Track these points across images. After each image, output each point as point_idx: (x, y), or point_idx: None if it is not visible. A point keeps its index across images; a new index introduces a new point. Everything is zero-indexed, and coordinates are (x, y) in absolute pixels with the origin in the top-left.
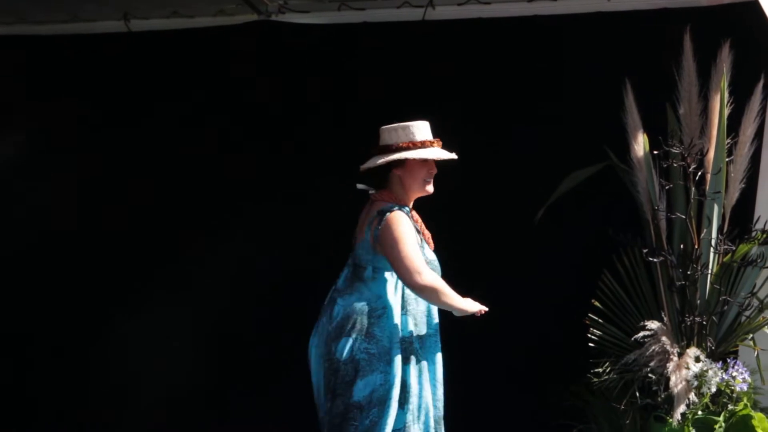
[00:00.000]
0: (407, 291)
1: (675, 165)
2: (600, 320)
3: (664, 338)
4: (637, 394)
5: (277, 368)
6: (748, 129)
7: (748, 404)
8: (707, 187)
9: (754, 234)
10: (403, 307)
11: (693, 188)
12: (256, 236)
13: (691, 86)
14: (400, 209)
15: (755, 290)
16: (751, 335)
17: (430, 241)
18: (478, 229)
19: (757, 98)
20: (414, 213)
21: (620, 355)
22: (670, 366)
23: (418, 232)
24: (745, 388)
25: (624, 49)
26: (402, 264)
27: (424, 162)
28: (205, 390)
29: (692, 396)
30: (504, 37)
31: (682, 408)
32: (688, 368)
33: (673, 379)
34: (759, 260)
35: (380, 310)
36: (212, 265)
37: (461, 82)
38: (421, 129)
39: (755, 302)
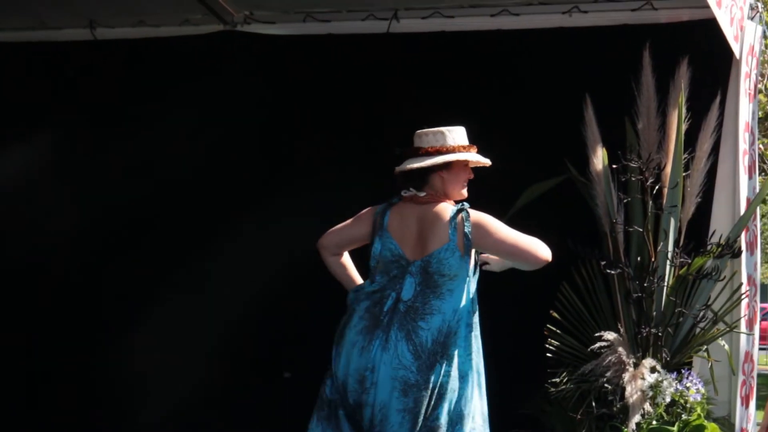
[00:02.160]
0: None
1: (633, 179)
2: (558, 331)
3: (620, 349)
4: (594, 403)
5: (280, 372)
6: (704, 144)
7: (702, 414)
8: (664, 201)
9: (709, 247)
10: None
11: (650, 202)
12: (255, 241)
13: (649, 102)
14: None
15: (710, 302)
16: (705, 347)
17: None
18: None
19: (714, 114)
20: None
21: (577, 365)
22: (626, 376)
23: None
24: (698, 398)
25: (584, 64)
26: (522, 246)
27: (466, 166)
28: (209, 392)
29: (647, 406)
30: (467, 50)
31: (637, 418)
32: (643, 379)
33: (628, 389)
34: (714, 273)
35: (455, 326)
36: (217, 268)
37: (424, 93)
38: (461, 133)
39: (709, 314)
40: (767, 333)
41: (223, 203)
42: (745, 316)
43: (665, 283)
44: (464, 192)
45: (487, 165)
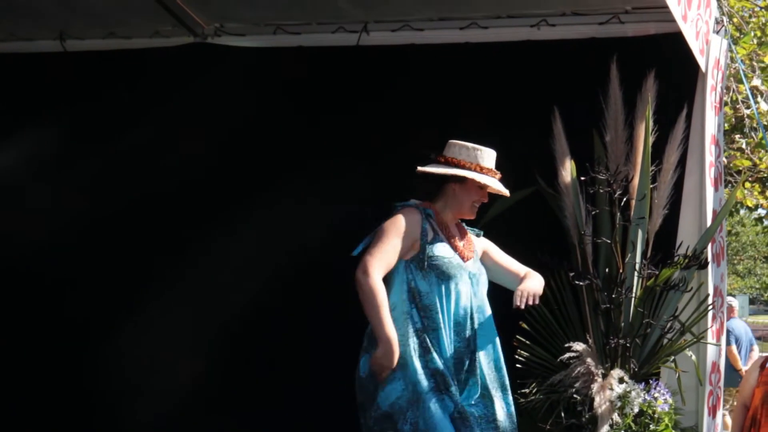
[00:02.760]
0: (418, 284)
1: (601, 191)
2: (527, 342)
3: (589, 360)
4: (563, 414)
5: (279, 371)
6: (671, 157)
7: (669, 425)
8: (632, 213)
9: (676, 259)
10: (411, 301)
11: (618, 214)
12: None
13: (617, 114)
14: (415, 208)
15: (677, 313)
16: (673, 357)
17: (461, 250)
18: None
19: (681, 127)
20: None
21: (546, 375)
22: (595, 387)
23: (433, 236)
24: (666, 408)
25: (553, 77)
26: (367, 253)
27: (481, 188)
28: (207, 391)
29: (616, 416)
30: (436, 62)
31: (605, 428)
32: (612, 389)
33: (597, 399)
34: (681, 284)
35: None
36: (213, 268)
37: (393, 104)
38: (489, 156)
39: (677, 325)
40: None
41: (196, 212)
42: (711, 326)
43: (633, 295)
44: (471, 212)
45: (505, 194)
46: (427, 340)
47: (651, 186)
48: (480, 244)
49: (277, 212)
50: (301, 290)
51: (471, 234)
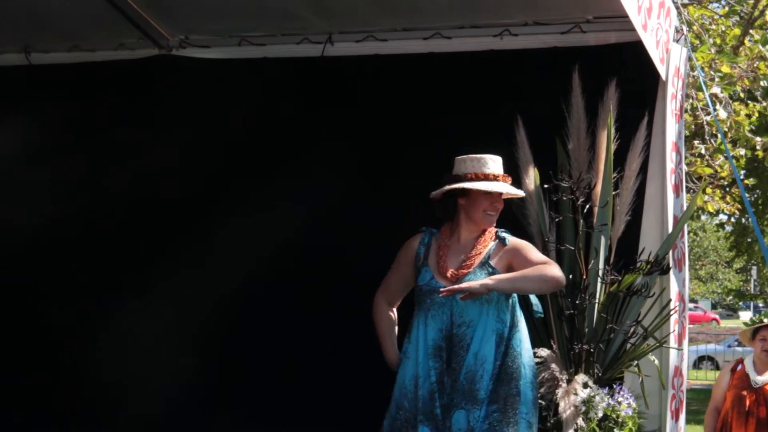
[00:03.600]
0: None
1: (564, 198)
2: None
3: (553, 365)
4: None
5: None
6: (633, 164)
7: (633, 429)
8: (595, 220)
9: (638, 265)
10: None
11: (581, 221)
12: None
13: (579, 122)
14: (421, 232)
15: (640, 318)
16: (636, 362)
17: (444, 270)
18: (372, 261)
19: (642, 134)
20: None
21: None
22: (560, 392)
23: (422, 261)
24: (630, 412)
25: (516, 86)
26: None
27: (488, 194)
28: (197, 390)
29: (580, 421)
30: (401, 73)
31: None
32: (576, 394)
33: (562, 404)
34: (643, 290)
35: None
36: (202, 266)
37: (358, 115)
38: (491, 162)
39: (640, 330)
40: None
41: (169, 223)
42: (674, 331)
43: (596, 300)
44: (489, 221)
45: (517, 195)
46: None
47: (613, 193)
48: (503, 257)
49: (247, 217)
50: (290, 289)
51: (490, 248)
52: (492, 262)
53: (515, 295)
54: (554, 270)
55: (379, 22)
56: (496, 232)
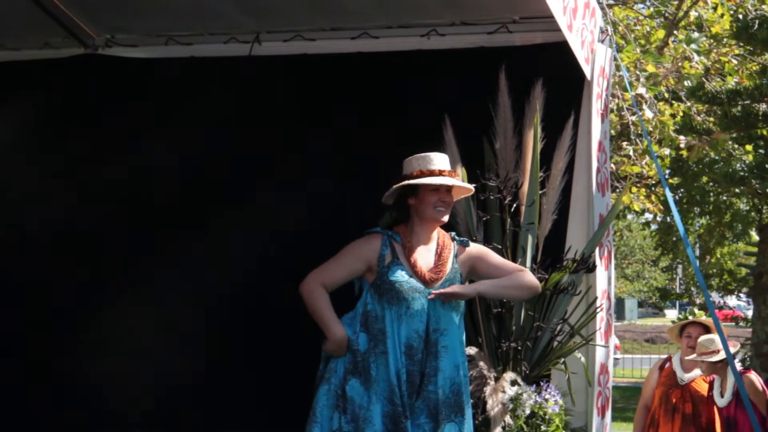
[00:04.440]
0: (374, 308)
1: (492, 197)
2: None
3: (481, 363)
4: None
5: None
6: (559, 163)
7: (560, 425)
8: (522, 219)
9: (565, 263)
10: (363, 324)
11: (508, 219)
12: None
13: (506, 122)
14: (380, 233)
15: (566, 316)
16: (563, 359)
17: (421, 271)
18: (302, 258)
19: (568, 134)
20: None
21: None
22: (487, 390)
23: (392, 260)
24: (557, 410)
25: (443, 86)
26: None
27: (435, 190)
28: (191, 389)
29: (508, 418)
30: (328, 72)
31: (498, 430)
32: (504, 392)
33: (489, 402)
34: (570, 288)
35: None
36: (194, 265)
37: (287, 114)
38: (436, 159)
39: (566, 328)
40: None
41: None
42: (600, 328)
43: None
44: (440, 216)
45: (466, 188)
46: (367, 363)
47: (540, 192)
48: (466, 261)
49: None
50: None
51: (454, 251)
52: (459, 269)
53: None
54: (532, 277)
55: (307, 22)
56: (452, 235)
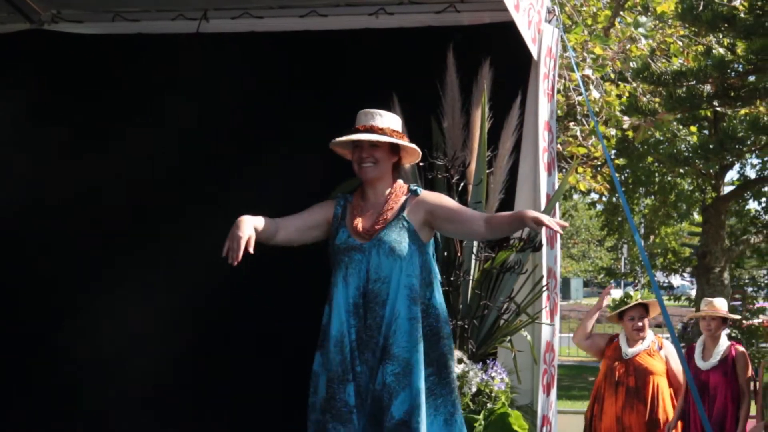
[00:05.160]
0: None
1: (439, 176)
2: None
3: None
4: None
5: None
6: (507, 142)
7: (506, 403)
8: (469, 198)
9: (511, 242)
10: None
11: (456, 198)
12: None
13: (454, 101)
14: (332, 199)
15: (513, 295)
16: (509, 338)
17: (359, 228)
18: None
19: (515, 113)
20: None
21: None
22: None
23: (339, 222)
24: (503, 387)
25: (391, 65)
26: None
27: (359, 146)
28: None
29: None
30: (276, 50)
31: None
32: None
33: None
34: (516, 267)
35: None
36: (177, 261)
37: (236, 93)
38: (370, 115)
39: (513, 306)
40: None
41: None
42: (546, 307)
43: (471, 277)
44: (363, 173)
45: (378, 141)
46: (323, 334)
47: (487, 171)
48: (418, 207)
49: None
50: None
51: (402, 201)
52: (406, 215)
53: (430, 252)
54: None
55: (254, 0)
56: (408, 187)
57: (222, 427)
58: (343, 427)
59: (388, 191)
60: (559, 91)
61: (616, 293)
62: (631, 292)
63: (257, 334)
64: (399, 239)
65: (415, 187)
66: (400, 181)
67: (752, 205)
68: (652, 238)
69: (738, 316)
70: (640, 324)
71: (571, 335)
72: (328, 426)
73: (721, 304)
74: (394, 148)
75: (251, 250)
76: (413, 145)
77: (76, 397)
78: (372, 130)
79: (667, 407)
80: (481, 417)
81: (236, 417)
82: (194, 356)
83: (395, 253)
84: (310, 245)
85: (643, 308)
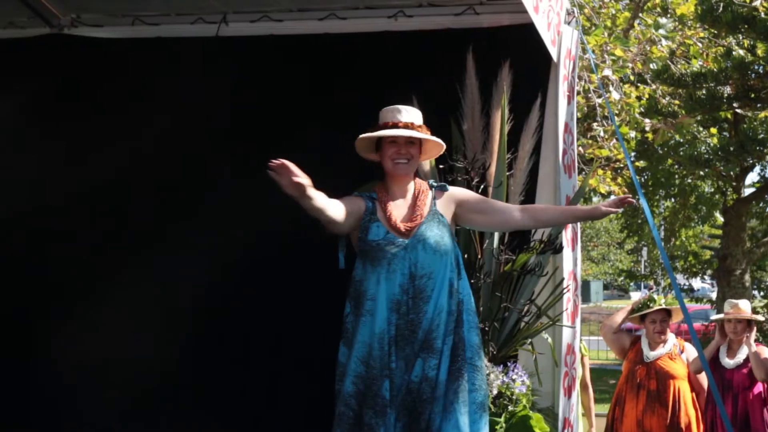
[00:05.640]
0: (356, 273)
1: (459, 178)
2: None
3: None
4: None
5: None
6: (526, 144)
7: (527, 405)
8: None
9: (532, 244)
10: (349, 293)
11: None
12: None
13: (474, 103)
14: (358, 195)
15: (533, 297)
16: (530, 340)
17: (397, 224)
18: (262, 241)
19: (535, 115)
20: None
21: None
22: None
23: (370, 217)
24: (524, 390)
25: (411, 67)
26: None
27: (393, 142)
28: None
29: None
30: (296, 53)
31: None
32: None
33: None
34: (537, 269)
35: None
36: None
37: (255, 95)
38: (402, 111)
39: (533, 309)
40: None
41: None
42: (566, 309)
43: (491, 279)
44: (397, 169)
45: (428, 139)
46: (356, 327)
47: (507, 173)
48: (448, 202)
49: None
50: (263, 280)
51: (431, 195)
52: (439, 210)
53: (457, 245)
54: None
55: (274, 3)
56: (429, 183)
57: (222, 427)
58: (381, 420)
59: (413, 187)
60: (578, 93)
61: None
62: (655, 296)
63: (255, 333)
64: (441, 234)
65: (442, 183)
66: (418, 178)
67: None
68: (672, 240)
69: (762, 318)
70: (660, 328)
71: (591, 338)
72: (366, 419)
73: (746, 307)
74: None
75: (297, 179)
76: (442, 144)
77: (75, 399)
78: (411, 127)
79: (689, 411)
80: (502, 420)
81: (235, 416)
82: (192, 357)
83: (440, 249)
84: (305, 241)
85: (666, 312)
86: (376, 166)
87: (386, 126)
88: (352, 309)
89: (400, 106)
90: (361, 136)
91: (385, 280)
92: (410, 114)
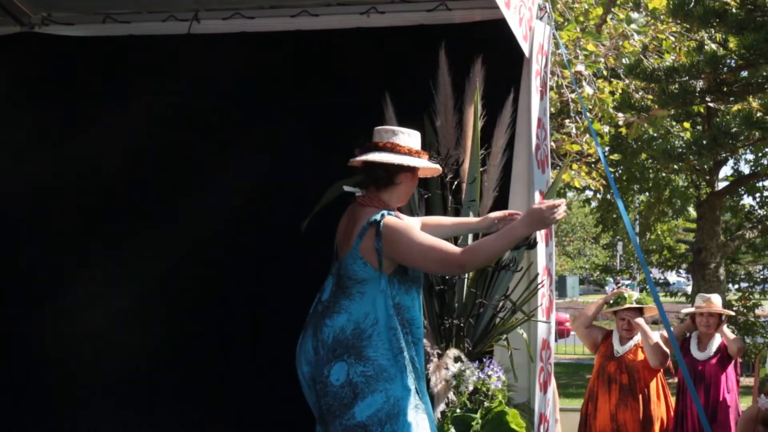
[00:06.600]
0: (401, 299)
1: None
2: None
3: (425, 340)
4: None
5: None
6: (500, 140)
7: (503, 401)
8: (463, 196)
9: None
10: (397, 316)
11: (450, 197)
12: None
13: (446, 99)
14: (388, 214)
15: (508, 293)
16: (505, 336)
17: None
18: (248, 236)
19: (508, 111)
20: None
21: None
22: (431, 367)
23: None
24: (499, 385)
25: (383, 64)
26: (427, 258)
27: (410, 171)
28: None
29: (451, 395)
30: (268, 50)
31: (442, 407)
32: (447, 368)
33: (433, 379)
34: (511, 264)
35: (370, 329)
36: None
37: (229, 93)
38: (405, 136)
39: (508, 304)
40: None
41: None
42: (541, 305)
43: (466, 276)
44: (405, 199)
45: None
46: (413, 356)
47: (481, 169)
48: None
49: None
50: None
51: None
52: None
53: None
54: None
55: (245, 0)
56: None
57: (221, 426)
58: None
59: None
60: (551, 89)
61: (632, 291)
62: (630, 292)
63: (239, 328)
64: None
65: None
66: None
67: (747, 201)
68: (647, 234)
69: (733, 312)
70: (629, 325)
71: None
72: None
73: (717, 301)
74: None
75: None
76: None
77: (55, 392)
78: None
79: (660, 403)
80: (478, 416)
81: (233, 416)
82: (179, 351)
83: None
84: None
85: (637, 310)
86: (354, 169)
87: (422, 155)
88: (406, 338)
89: (406, 130)
90: (430, 165)
91: (420, 307)
92: (418, 141)
